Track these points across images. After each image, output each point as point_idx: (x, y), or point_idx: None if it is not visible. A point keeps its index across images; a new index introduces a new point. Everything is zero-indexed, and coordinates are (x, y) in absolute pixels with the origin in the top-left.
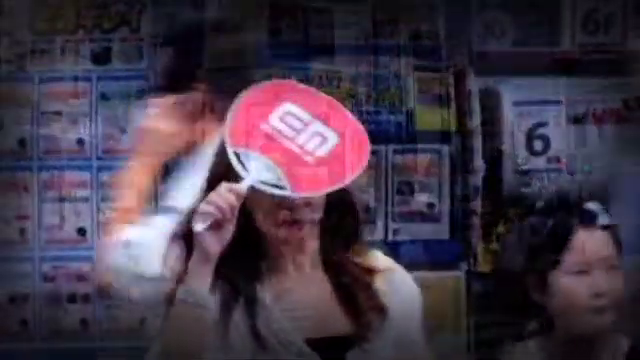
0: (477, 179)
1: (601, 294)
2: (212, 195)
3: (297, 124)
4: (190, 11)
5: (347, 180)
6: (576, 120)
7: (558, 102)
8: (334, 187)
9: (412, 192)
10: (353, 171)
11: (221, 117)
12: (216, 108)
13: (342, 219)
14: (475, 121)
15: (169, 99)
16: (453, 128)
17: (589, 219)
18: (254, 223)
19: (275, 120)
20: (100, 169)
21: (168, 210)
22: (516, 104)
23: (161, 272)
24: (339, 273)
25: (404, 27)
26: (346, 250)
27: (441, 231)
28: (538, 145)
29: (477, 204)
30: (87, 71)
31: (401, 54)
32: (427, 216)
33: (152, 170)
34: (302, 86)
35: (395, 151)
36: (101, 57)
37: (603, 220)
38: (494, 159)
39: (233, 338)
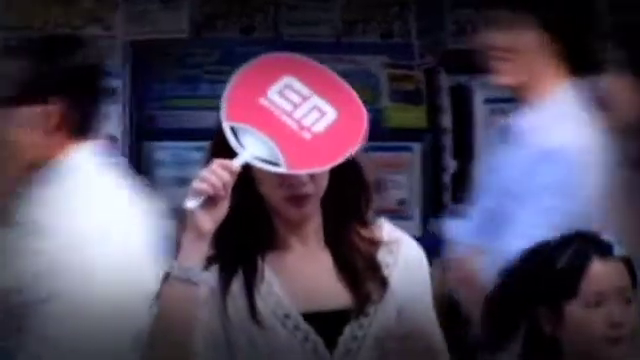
0: (448, 177)
1: (617, 324)
2: (204, 172)
3: (296, 98)
4: (161, 9)
5: (342, 157)
6: None
7: None
8: (329, 165)
9: (384, 189)
10: (349, 148)
11: (79, 131)
12: (73, 122)
13: (348, 191)
14: (446, 119)
15: (25, 111)
16: (424, 126)
17: (605, 250)
18: (258, 197)
19: (274, 94)
20: None
21: (23, 224)
22: (487, 101)
23: None
24: (340, 245)
25: (375, 25)
26: (350, 222)
27: (412, 228)
28: None
29: (448, 202)
30: None
31: (372, 52)
32: (398, 213)
33: (6, 184)
34: (304, 59)
35: (366, 148)
36: None
37: (619, 251)
38: (466, 156)
39: (230, 310)
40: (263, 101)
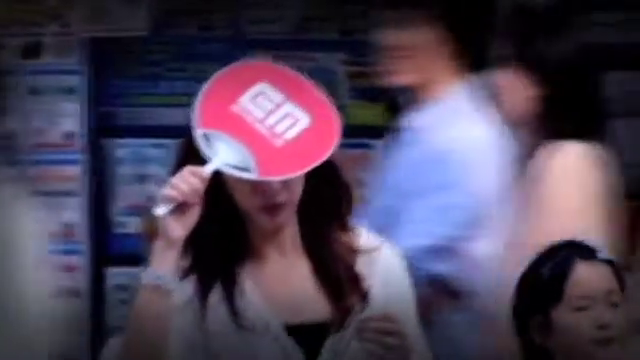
0: None
1: (604, 326)
2: (174, 179)
3: (269, 105)
4: (121, 6)
5: (314, 164)
6: None
7: None
8: (301, 171)
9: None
10: (322, 154)
11: None
12: None
13: (326, 194)
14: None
15: None
16: (384, 123)
17: (589, 253)
18: (232, 207)
19: (246, 101)
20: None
21: None
22: None
23: None
24: (319, 254)
25: (334, 22)
26: (329, 227)
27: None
28: None
29: None
30: (17, 65)
31: (331, 49)
32: (359, 211)
33: None
34: (278, 65)
35: None
36: (31, 51)
37: (603, 255)
38: None
39: (209, 321)
40: (235, 108)
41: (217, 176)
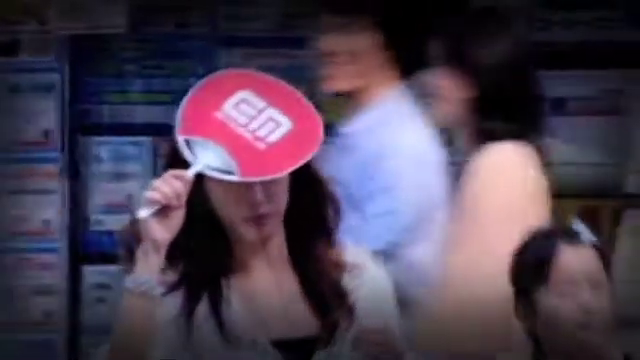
0: None
1: (588, 310)
2: (157, 182)
3: (251, 111)
4: (98, 3)
5: (296, 165)
6: None
7: None
8: (282, 172)
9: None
10: (304, 156)
11: None
12: None
13: (311, 208)
14: None
15: None
16: None
17: (573, 237)
18: (218, 219)
19: (229, 108)
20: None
21: None
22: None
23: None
24: (305, 269)
25: (314, 19)
26: (316, 241)
27: None
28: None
29: None
30: None
31: (310, 46)
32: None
33: None
34: (259, 74)
35: None
36: (9, 49)
37: (586, 238)
38: None
39: (197, 336)
40: (218, 114)
41: (201, 189)
